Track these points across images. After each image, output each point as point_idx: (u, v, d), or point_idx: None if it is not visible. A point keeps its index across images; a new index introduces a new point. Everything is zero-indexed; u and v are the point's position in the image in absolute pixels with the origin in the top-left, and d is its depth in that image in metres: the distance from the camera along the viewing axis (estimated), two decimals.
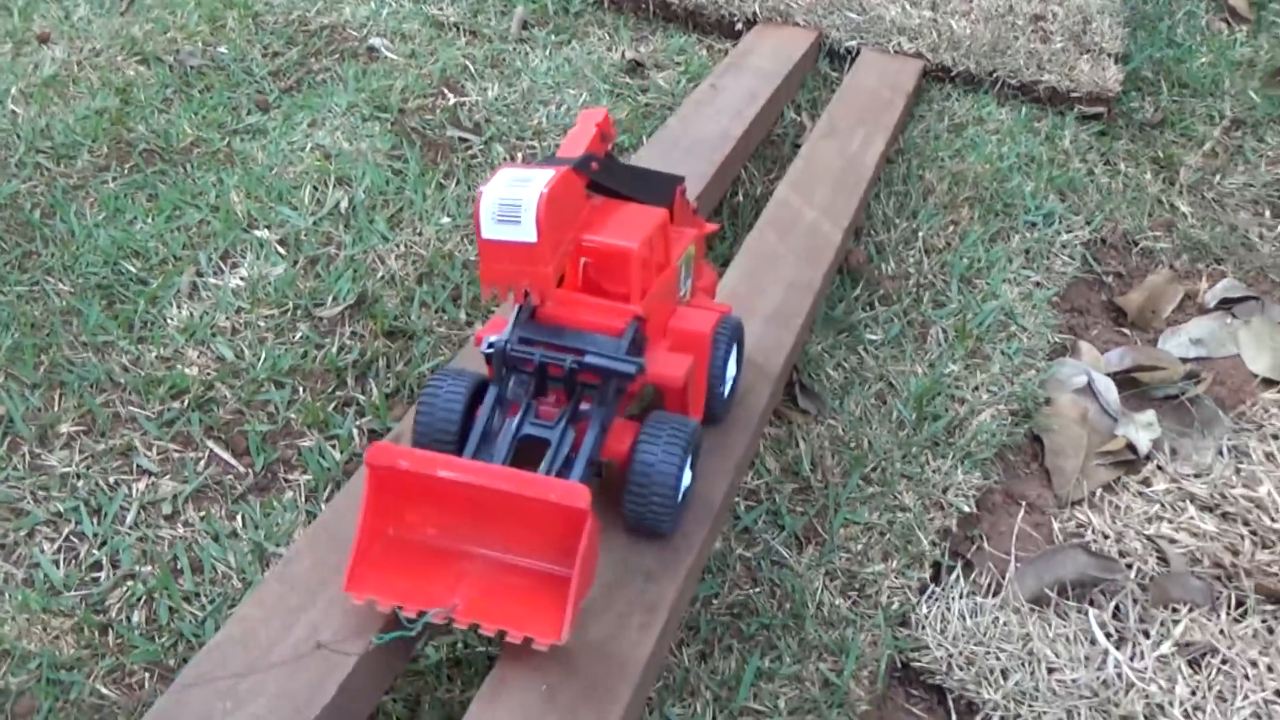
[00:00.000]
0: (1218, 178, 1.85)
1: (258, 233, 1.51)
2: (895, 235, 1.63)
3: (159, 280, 1.43)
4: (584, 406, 0.97)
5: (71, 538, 1.16)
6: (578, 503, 0.85)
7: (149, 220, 1.52)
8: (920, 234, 1.63)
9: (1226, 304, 1.65)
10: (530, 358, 0.95)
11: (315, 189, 1.58)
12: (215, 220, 1.52)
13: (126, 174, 1.60)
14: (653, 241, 1.01)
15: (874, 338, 1.46)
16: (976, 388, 1.41)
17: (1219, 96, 2.02)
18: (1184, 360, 1.55)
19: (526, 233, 0.90)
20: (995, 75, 1.93)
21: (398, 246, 1.49)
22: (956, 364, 1.44)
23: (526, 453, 0.96)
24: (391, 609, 0.88)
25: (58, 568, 1.12)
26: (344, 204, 1.56)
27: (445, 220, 1.55)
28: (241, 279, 1.44)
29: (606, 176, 1.02)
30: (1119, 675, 1.13)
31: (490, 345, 0.97)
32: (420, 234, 1.52)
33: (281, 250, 1.48)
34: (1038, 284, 1.60)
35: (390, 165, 1.64)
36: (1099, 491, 1.33)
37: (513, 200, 0.90)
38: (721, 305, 1.14)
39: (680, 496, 0.99)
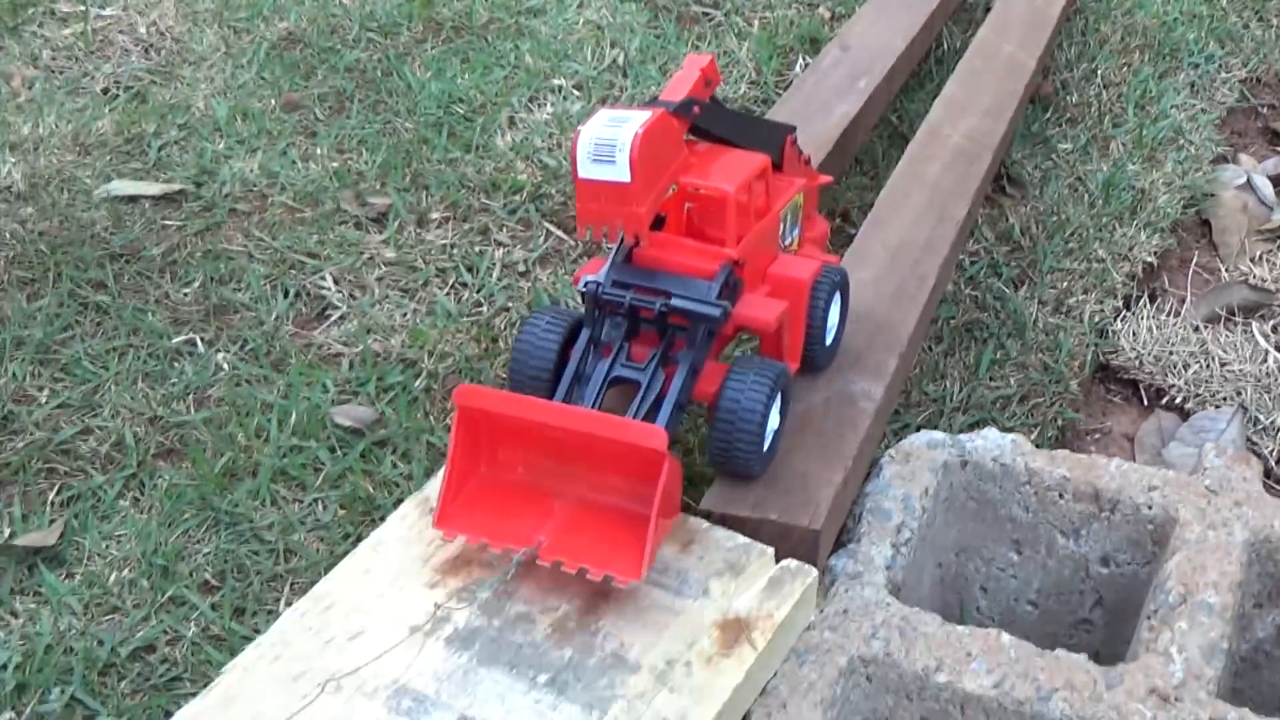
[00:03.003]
0: None
1: (555, 81, 1.87)
2: (1077, 74, 1.93)
3: (484, 117, 1.80)
4: (675, 351, 0.98)
5: (456, 285, 1.52)
6: (654, 444, 0.86)
7: (466, 76, 1.89)
8: (1099, 73, 1.94)
9: None
10: (621, 301, 0.96)
11: (594, 50, 1.94)
12: (519, 74, 1.89)
13: (441, 44, 1.98)
14: (751, 186, 1.01)
15: (1065, 147, 1.78)
16: (1153, 181, 1.71)
17: None
18: None
19: (621, 172, 0.89)
20: None
21: None
22: (1135, 165, 1.74)
23: (621, 394, 0.98)
24: (479, 544, 0.92)
25: (451, 303, 1.49)
26: (620, 59, 1.91)
27: None
28: (548, 114, 1.80)
29: (710, 122, 1.02)
30: (1277, 368, 1.43)
31: (586, 285, 0.98)
32: None
33: (577, 92, 1.84)
34: (1202, 110, 1.89)
35: (651, 32, 1.99)
36: (1259, 253, 1.63)
37: (608, 140, 0.89)
38: (830, 256, 1.17)
39: (766, 440, 0.99)
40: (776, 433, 1.01)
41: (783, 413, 1.01)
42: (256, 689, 0.84)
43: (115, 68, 1.92)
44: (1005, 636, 0.95)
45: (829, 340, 1.10)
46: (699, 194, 0.99)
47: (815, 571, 0.94)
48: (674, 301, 0.95)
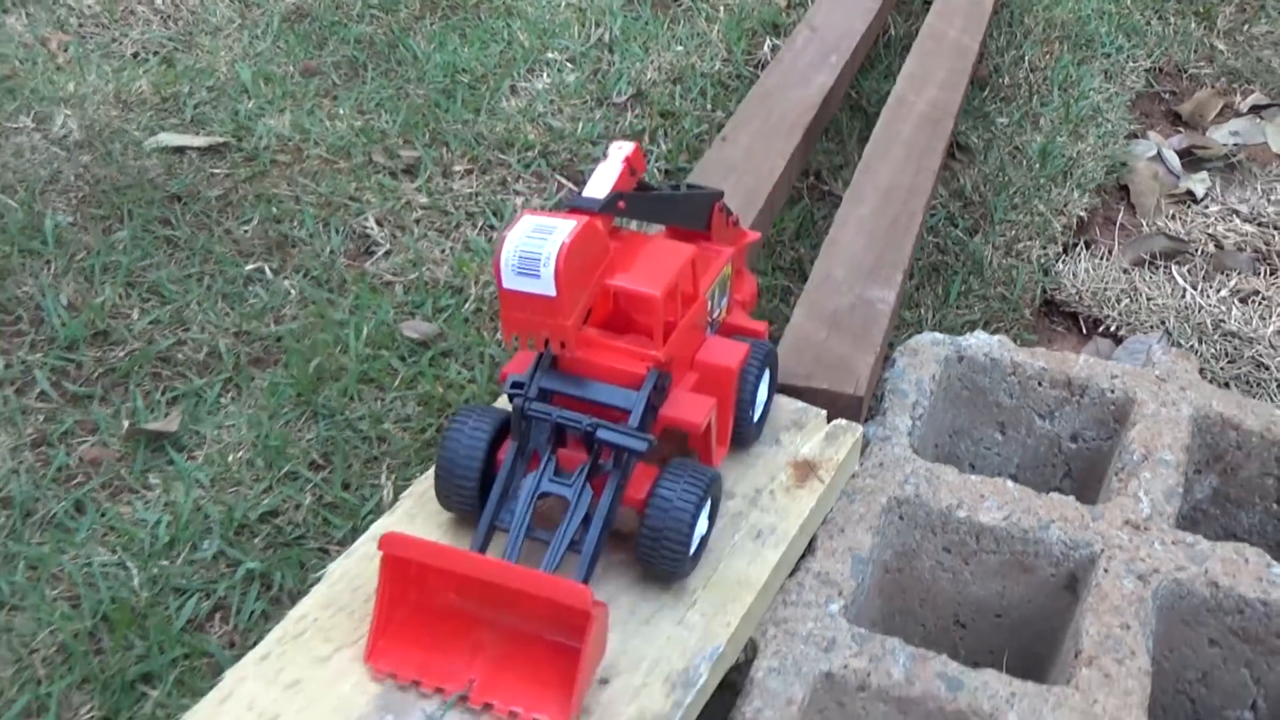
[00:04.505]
0: (1247, 26, 2.41)
1: (548, 55, 2.07)
2: (1008, 59, 2.19)
3: (487, 85, 2.00)
4: (604, 461, 0.96)
5: (485, 228, 1.72)
6: (579, 605, 0.86)
7: (466, 50, 2.09)
8: (1026, 59, 2.20)
9: (1255, 109, 2.21)
10: (547, 417, 0.96)
11: (580, 28, 2.15)
12: (514, 48, 2.09)
13: (439, 21, 2.17)
14: (679, 280, 0.99)
15: (1002, 121, 2.03)
16: (1080, 151, 1.97)
17: None
18: (1224, 145, 2.11)
19: (546, 287, 0.88)
20: None
21: (652, 63, 2.06)
22: (1064, 138, 2.00)
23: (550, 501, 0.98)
24: (410, 682, 0.90)
25: (484, 242, 1.69)
26: (605, 36, 2.12)
27: (679, 48, 2.11)
28: (546, 83, 2.01)
29: (636, 211, 1.02)
30: (1194, 303, 1.69)
31: (513, 386, 0.97)
32: (664, 55, 2.08)
33: (570, 65, 2.05)
34: (1115, 93, 2.16)
35: (629, 14, 2.20)
36: (1171, 212, 1.90)
37: (533, 253, 0.89)
38: (757, 324, 1.16)
39: (693, 546, 0.97)
40: (704, 537, 1.00)
41: (711, 516, 1.00)
42: (413, 531, 1.03)
43: (141, 34, 2.08)
44: (1009, 483, 1.18)
45: (756, 417, 1.10)
46: (624, 294, 1.00)
47: (861, 427, 1.16)
48: (600, 434, 0.94)
